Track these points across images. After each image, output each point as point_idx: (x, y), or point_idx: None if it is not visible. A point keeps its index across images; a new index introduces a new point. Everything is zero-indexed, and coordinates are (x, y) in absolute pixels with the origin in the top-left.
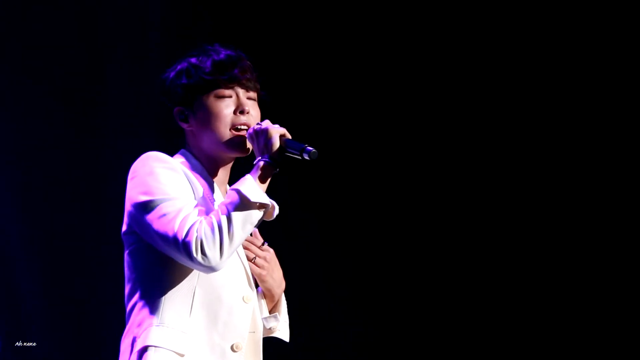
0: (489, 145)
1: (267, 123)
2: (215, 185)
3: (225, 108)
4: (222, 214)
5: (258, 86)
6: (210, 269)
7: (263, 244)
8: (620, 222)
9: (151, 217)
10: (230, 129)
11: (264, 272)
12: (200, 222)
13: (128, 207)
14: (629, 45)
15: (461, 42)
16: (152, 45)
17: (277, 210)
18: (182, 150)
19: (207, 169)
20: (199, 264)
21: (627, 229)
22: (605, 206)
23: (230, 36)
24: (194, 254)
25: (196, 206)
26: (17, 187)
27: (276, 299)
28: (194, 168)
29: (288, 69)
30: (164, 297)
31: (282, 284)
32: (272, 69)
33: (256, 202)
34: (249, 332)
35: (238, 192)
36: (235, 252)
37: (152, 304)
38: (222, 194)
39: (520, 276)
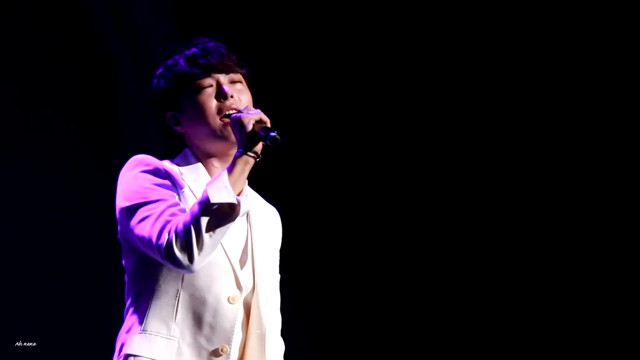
0: (483, 144)
1: (247, 110)
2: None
3: (208, 98)
4: (192, 215)
5: (243, 69)
6: (186, 269)
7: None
8: (619, 221)
9: (133, 222)
10: (219, 118)
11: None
12: (173, 223)
13: (116, 212)
14: (630, 45)
15: (457, 41)
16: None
17: (244, 208)
18: (185, 150)
19: (208, 167)
20: (173, 265)
21: (627, 228)
22: (605, 206)
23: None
24: (166, 257)
25: (174, 206)
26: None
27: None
28: (190, 168)
29: (287, 69)
30: (150, 302)
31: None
32: (269, 70)
33: (217, 204)
34: (255, 331)
35: (205, 192)
36: (224, 253)
37: (140, 309)
38: None
39: (516, 276)
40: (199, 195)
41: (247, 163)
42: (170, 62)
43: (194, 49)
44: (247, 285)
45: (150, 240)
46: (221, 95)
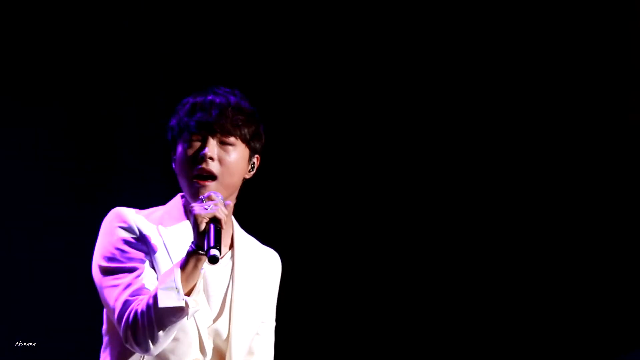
0: (480, 145)
1: (208, 200)
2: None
3: (190, 153)
4: (145, 312)
5: (244, 130)
6: (141, 353)
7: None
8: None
9: (102, 283)
10: (192, 178)
11: None
12: (133, 309)
13: (92, 258)
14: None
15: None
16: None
17: (192, 309)
18: (176, 196)
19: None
20: (131, 347)
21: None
22: (605, 207)
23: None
24: (124, 340)
25: (141, 281)
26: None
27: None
28: (173, 217)
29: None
30: (117, 357)
31: None
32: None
33: (165, 308)
34: None
35: (155, 289)
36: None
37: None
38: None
39: (515, 276)
40: (174, 256)
41: (199, 260)
42: (179, 105)
43: (200, 99)
44: (221, 334)
45: (113, 314)
46: (200, 155)
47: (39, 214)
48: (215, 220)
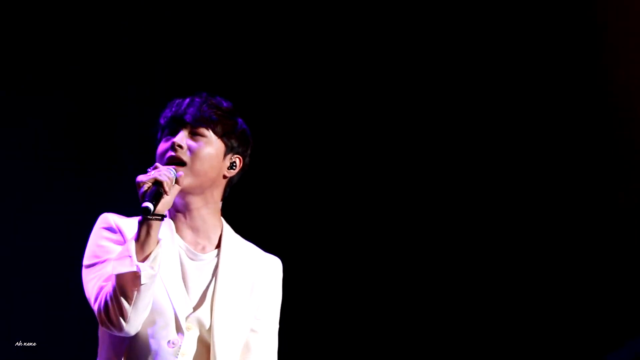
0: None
1: (155, 169)
2: (174, 231)
3: (164, 146)
4: (110, 286)
5: (216, 125)
6: (123, 334)
7: None
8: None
9: (85, 279)
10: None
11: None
12: (103, 292)
13: None
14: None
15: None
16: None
17: (148, 273)
18: None
19: (173, 214)
20: (110, 330)
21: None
22: (605, 207)
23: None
24: (100, 324)
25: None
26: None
27: None
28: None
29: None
30: (105, 349)
31: None
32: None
33: (119, 274)
34: None
35: (116, 262)
36: (167, 298)
37: (100, 351)
38: (191, 239)
39: (514, 276)
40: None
41: (150, 226)
42: (168, 104)
43: (178, 100)
44: (204, 324)
45: (92, 305)
46: (169, 144)
47: (39, 214)
48: (157, 183)
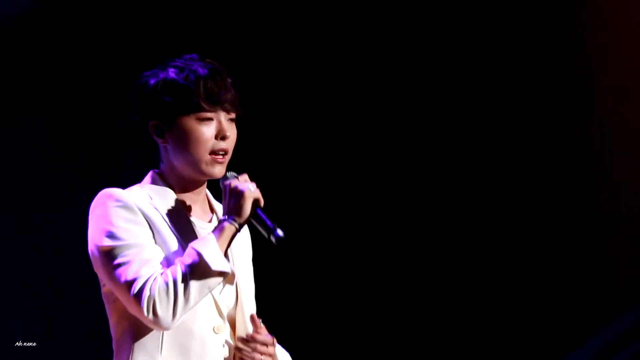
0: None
1: (243, 180)
2: (184, 209)
3: (207, 132)
4: (179, 275)
5: (239, 107)
6: (161, 328)
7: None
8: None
9: (106, 265)
10: (208, 154)
11: None
12: (155, 279)
13: (88, 247)
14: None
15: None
16: None
17: (236, 278)
18: (151, 173)
19: (177, 188)
20: (150, 322)
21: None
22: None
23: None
24: (145, 313)
25: (152, 254)
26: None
27: None
28: (160, 194)
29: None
30: (132, 340)
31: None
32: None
33: (216, 271)
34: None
35: (199, 255)
36: None
37: (123, 347)
38: (200, 212)
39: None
40: (161, 232)
41: (234, 234)
42: (176, 77)
43: (207, 73)
44: (229, 304)
45: (127, 291)
46: (220, 134)
47: (39, 214)
48: (257, 202)
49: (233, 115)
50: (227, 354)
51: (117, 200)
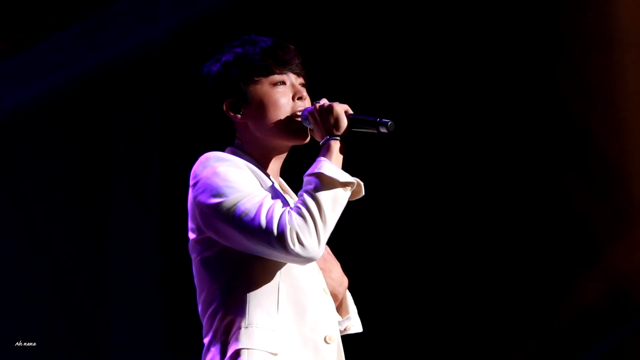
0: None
1: (325, 101)
2: (271, 177)
3: (283, 95)
4: (309, 201)
5: (304, 72)
6: (308, 259)
7: None
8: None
9: (230, 218)
10: (293, 116)
11: (322, 274)
12: (289, 212)
13: (198, 212)
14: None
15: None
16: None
17: (363, 189)
18: (230, 148)
19: (260, 163)
20: (297, 255)
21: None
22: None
23: None
24: (291, 246)
25: (274, 198)
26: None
27: (340, 297)
28: (255, 158)
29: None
30: (248, 299)
31: (344, 281)
32: None
33: (341, 182)
34: (345, 316)
35: (319, 175)
36: None
37: (237, 307)
38: (278, 187)
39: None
40: (269, 187)
41: (343, 150)
42: (240, 50)
43: (270, 43)
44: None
45: (264, 232)
46: (296, 95)
47: (39, 214)
48: (346, 112)
49: (302, 80)
50: (335, 316)
51: (225, 160)
